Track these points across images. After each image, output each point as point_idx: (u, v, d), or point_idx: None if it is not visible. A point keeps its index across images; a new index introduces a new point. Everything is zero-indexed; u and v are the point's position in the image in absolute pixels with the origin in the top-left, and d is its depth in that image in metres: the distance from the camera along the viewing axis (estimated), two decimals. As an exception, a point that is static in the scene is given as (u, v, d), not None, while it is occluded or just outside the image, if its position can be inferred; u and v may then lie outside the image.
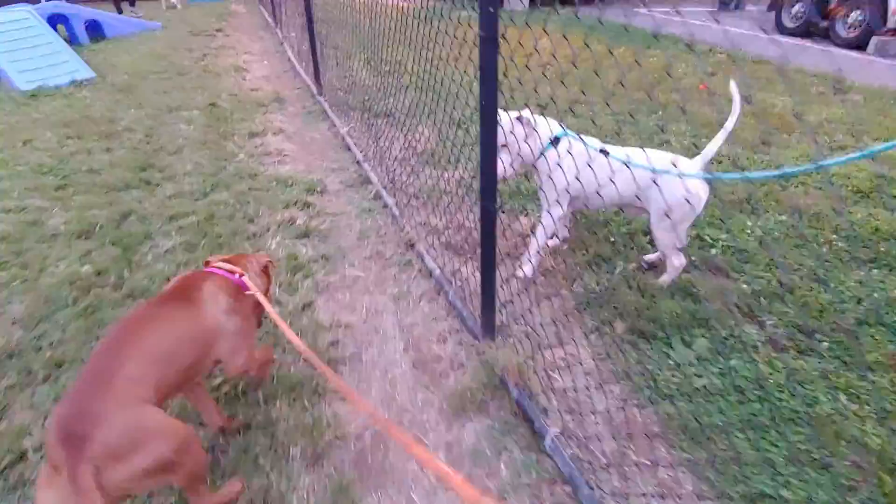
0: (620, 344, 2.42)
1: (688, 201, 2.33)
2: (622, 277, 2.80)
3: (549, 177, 2.57)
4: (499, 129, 2.35)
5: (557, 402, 2.09)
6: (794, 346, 2.40)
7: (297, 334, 1.63)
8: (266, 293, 1.94)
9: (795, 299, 2.70)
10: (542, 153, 2.60)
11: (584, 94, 4.89)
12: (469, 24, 2.10)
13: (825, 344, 2.39)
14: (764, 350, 2.38)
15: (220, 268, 1.80)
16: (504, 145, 2.54)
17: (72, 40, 8.58)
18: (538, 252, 2.77)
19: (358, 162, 4.31)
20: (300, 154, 4.60)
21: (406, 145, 4.54)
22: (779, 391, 2.16)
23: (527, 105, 2.47)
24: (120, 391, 1.31)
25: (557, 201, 2.58)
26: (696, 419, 2.04)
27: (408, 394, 2.22)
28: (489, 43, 1.72)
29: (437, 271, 2.85)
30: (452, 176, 3.97)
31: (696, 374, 2.25)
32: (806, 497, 1.76)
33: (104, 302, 2.65)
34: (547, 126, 2.55)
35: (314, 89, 6.02)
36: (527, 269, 2.78)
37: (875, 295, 2.71)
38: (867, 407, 2.07)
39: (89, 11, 9.18)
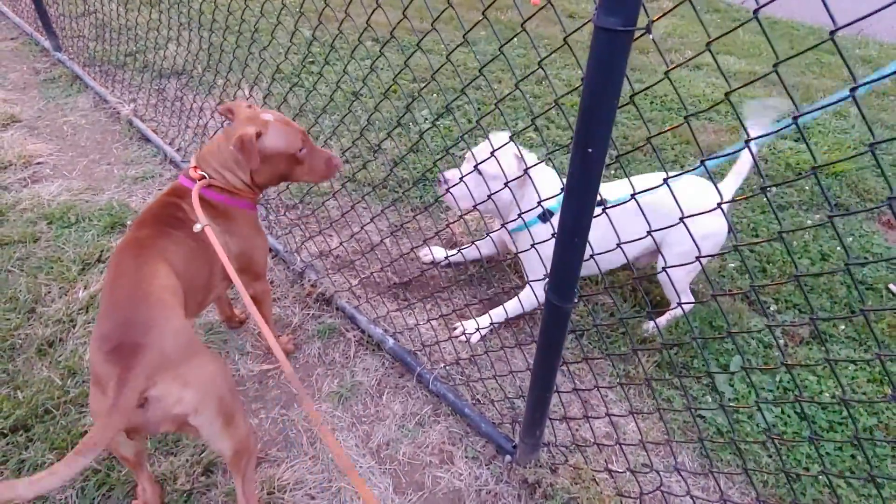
0: (657, 389, 1.91)
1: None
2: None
3: (530, 249, 1.60)
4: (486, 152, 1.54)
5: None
6: (810, 335, 2.15)
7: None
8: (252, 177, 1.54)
9: (777, 269, 2.46)
10: (526, 225, 1.64)
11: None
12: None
13: (842, 327, 2.19)
14: (789, 349, 2.10)
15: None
16: (478, 170, 1.60)
17: None
18: (498, 323, 2.08)
19: (171, 160, 2.92)
20: (66, 158, 2.96)
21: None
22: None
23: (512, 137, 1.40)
24: (160, 298, 1.21)
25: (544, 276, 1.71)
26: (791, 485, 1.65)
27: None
28: (616, 38, 0.85)
29: (390, 342, 1.96)
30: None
31: (754, 407, 1.87)
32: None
33: None
34: (544, 184, 1.70)
35: (45, 41, 4.01)
36: (474, 337, 2.07)
37: (829, 246, 2.60)
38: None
39: None
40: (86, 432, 1.63)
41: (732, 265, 2.44)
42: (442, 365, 1.92)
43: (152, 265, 1.27)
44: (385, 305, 2.10)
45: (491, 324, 2.03)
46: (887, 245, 2.67)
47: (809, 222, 2.76)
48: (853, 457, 1.75)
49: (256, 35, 2.14)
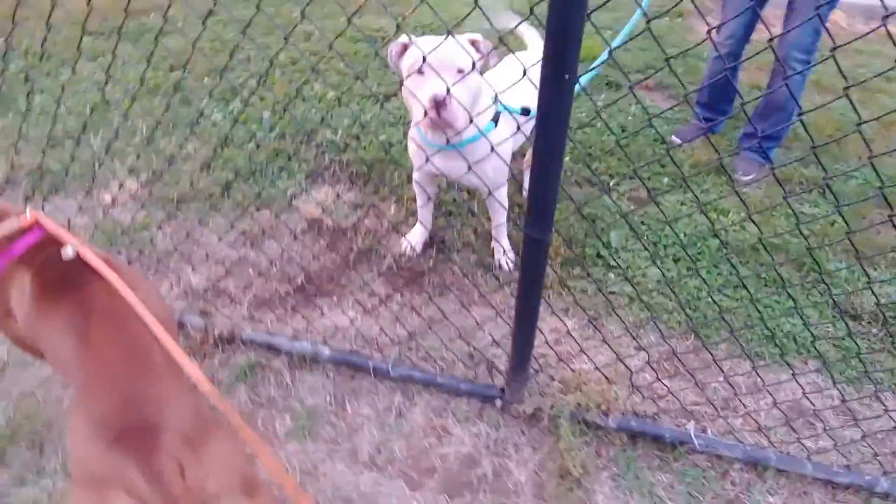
0: (572, 286, 2.10)
1: None
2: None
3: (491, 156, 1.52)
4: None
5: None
6: (647, 195, 2.54)
7: None
8: None
9: (598, 150, 2.81)
10: (481, 133, 1.60)
11: None
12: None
13: (665, 180, 2.62)
14: (639, 211, 2.45)
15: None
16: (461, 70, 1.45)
17: None
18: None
19: None
20: None
21: None
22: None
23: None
24: (164, 366, 0.98)
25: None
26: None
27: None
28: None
29: (326, 350, 1.77)
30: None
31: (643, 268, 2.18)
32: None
33: None
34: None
35: None
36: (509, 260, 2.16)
37: (622, 116, 3.04)
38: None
39: None
40: None
41: (568, 157, 2.72)
42: (397, 348, 1.82)
43: (135, 322, 1.04)
44: (299, 314, 1.88)
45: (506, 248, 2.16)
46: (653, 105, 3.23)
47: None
48: (720, 273, 2.18)
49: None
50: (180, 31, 3.71)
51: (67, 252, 1.13)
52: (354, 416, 1.68)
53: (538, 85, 0.99)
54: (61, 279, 1.12)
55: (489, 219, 2.25)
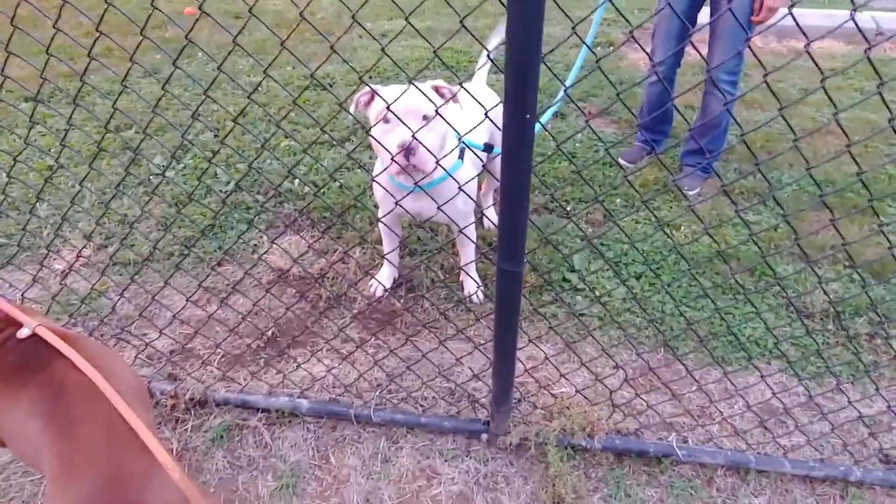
0: (543, 311, 2.14)
1: None
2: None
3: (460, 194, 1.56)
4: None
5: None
6: (603, 216, 2.63)
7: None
8: None
9: (552, 178, 2.90)
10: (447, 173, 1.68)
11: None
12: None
13: (617, 200, 2.72)
14: (599, 232, 2.54)
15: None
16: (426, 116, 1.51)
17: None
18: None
19: None
20: None
21: None
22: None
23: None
24: (140, 442, 0.94)
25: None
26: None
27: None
28: None
29: (304, 403, 1.73)
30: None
31: (610, 288, 2.24)
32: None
33: None
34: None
35: None
36: (480, 293, 2.20)
37: (585, 145, 3.16)
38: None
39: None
40: None
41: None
42: (377, 392, 1.80)
43: (106, 399, 1.00)
44: (273, 369, 1.83)
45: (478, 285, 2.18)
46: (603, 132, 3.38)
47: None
48: (680, 285, 2.27)
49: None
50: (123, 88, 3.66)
51: (22, 332, 1.09)
52: (340, 468, 1.64)
53: (495, 121, 1.04)
54: (21, 361, 1.08)
55: (455, 254, 2.29)
